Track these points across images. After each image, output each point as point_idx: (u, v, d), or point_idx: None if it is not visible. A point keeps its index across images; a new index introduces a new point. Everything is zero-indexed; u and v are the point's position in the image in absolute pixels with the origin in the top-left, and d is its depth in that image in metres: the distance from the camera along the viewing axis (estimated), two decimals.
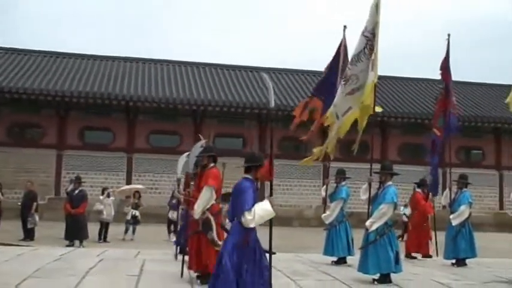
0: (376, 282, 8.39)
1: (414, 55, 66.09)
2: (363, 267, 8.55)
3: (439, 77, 12.47)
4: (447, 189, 11.70)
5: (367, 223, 8.57)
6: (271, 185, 5.89)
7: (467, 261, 10.99)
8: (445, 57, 11.77)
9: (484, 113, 27.18)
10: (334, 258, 10.52)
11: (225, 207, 7.76)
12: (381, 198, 8.63)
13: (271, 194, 5.80)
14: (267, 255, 5.87)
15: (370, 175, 9.22)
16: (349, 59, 10.08)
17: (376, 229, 8.49)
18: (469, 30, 66.97)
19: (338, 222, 10.57)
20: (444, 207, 12.01)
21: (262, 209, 5.69)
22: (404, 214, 19.86)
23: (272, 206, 5.70)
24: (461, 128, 25.78)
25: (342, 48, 10.92)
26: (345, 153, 21.19)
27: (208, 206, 7.68)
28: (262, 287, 5.76)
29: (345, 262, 10.46)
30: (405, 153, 26.78)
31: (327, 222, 10.71)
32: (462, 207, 10.98)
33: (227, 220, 6.16)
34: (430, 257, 12.02)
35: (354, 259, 9.61)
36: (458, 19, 67.27)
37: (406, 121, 25.84)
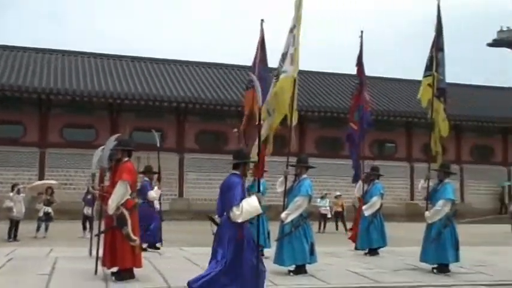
0: (291, 274, 8.51)
1: (335, 50, 67.72)
2: (278, 259, 8.65)
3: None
4: (360, 181, 12.03)
5: (282, 215, 8.69)
6: (258, 182, 6.35)
7: (379, 250, 11.39)
8: (359, 54, 12.06)
9: (396, 107, 28.23)
10: None
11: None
12: (296, 191, 8.76)
13: (258, 191, 6.16)
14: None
15: (286, 168, 9.33)
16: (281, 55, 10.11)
17: (292, 221, 8.62)
18: (392, 27, 69.22)
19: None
20: (359, 198, 12.33)
21: (250, 205, 5.84)
22: (325, 206, 20.43)
23: (260, 203, 5.88)
24: (375, 122, 26.82)
25: (259, 42, 10.96)
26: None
27: (122, 201, 7.51)
28: (254, 280, 5.92)
29: (263, 255, 10.53)
30: (322, 147, 27.38)
31: None
32: (374, 198, 11.36)
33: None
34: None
35: (270, 251, 9.70)
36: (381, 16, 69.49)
37: (323, 115, 26.39)
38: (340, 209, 20.33)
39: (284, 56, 9.66)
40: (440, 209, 9.17)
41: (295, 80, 9.65)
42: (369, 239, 11.31)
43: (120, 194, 7.48)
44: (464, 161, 29.10)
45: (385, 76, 32.43)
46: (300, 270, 8.56)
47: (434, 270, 9.17)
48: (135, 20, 69.94)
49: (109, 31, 67.41)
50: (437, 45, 9.74)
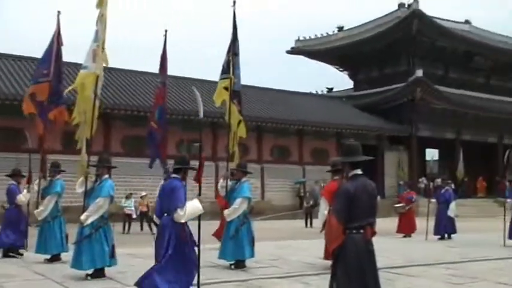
0: (89, 277, 8.26)
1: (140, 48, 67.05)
2: (76, 263, 8.34)
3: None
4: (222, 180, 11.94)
5: (82, 217, 8.40)
6: (199, 186, 6.76)
7: None
8: (163, 53, 12.02)
9: (193, 107, 28.68)
10: (48, 256, 10.07)
11: None
12: (98, 192, 8.54)
13: (199, 194, 6.72)
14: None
15: (87, 167, 9.04)
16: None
17: (92, 223, 8.37)
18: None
19: (52, 218, 10.14)
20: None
21: (193, 207, 6.62)
22: (130, 207, 20.10)
23: (201, 204, 6.66)
24: (182, 122, 27.10)
25: (56, 35, 10.50)
26: (65, 146, 20.55)
27: None
28: (186, 277, 6.50)
29: (60, 259, 10.08)
30: (128, 146, 26.89)
31: (39, 218, 10.19)
32: None
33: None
34: None
35: (68, 255, 9.31)
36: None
37: (130, 113, 25.95)
38: (145, 209, 20.18)
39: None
40: (238, 207, 9.60)
41: (97, 77, 9.41)
42: None
43: None
44: (265, 160, 30.71)
45: (187, 76, 32.76)
46: (99, 273, 8.36)
47: (232, 267, 9.56)
48: None
49: None
50: (233, 49, 10.17)
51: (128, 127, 26.64)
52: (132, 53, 60.38)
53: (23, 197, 11.05)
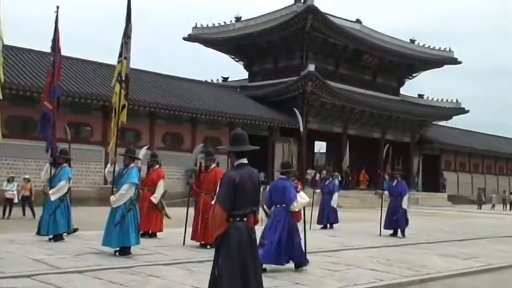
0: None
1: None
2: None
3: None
4: (47, 164, 11.61)
5: None
6: None
7: (64, 235, 11.23)
8: (55, 30, 11.56)
9: (94, 90, 27.92)
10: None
11: None
12: None
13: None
14: None
15: None
16: None
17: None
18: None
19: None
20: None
21: (302, 199, 9.12)
22: (12, 190, 19.08)
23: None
24: (72, 104, 26.16)
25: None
26: None
27: None
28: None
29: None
30: (12, 126, 25.54)
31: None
32: (62, 183, 11.12)
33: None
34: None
35: None
36: None
37: (15, 93, 24.64)
38: (28, 194, 19.28)
39: None
40: (125, 192, 9.48)
41: None
42: (55, 224, 11.02)
43: None
44: (157, 147, 30.37)
45: (84, 58, 31.76)
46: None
47: (117, 253, 9.44)
48: None
49: None
50: (126, 32, 9.99)
51: (13, 107, 25.26)
52: (19, 29, 57.15)
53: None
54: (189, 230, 10.98)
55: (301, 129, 11.26)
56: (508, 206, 41.62)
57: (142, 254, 9.66)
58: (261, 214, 7.36)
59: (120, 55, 10.11)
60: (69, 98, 25.44)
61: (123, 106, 9.97)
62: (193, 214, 11.00)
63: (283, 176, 9.25)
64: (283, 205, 8.82)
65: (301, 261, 8.87)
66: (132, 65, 11.12)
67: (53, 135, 11.58)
